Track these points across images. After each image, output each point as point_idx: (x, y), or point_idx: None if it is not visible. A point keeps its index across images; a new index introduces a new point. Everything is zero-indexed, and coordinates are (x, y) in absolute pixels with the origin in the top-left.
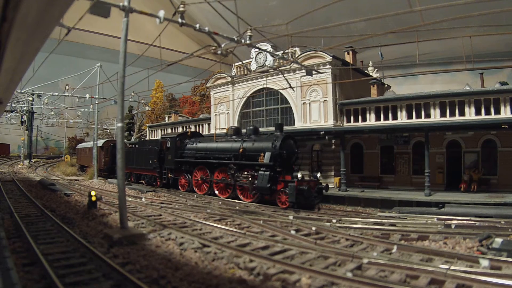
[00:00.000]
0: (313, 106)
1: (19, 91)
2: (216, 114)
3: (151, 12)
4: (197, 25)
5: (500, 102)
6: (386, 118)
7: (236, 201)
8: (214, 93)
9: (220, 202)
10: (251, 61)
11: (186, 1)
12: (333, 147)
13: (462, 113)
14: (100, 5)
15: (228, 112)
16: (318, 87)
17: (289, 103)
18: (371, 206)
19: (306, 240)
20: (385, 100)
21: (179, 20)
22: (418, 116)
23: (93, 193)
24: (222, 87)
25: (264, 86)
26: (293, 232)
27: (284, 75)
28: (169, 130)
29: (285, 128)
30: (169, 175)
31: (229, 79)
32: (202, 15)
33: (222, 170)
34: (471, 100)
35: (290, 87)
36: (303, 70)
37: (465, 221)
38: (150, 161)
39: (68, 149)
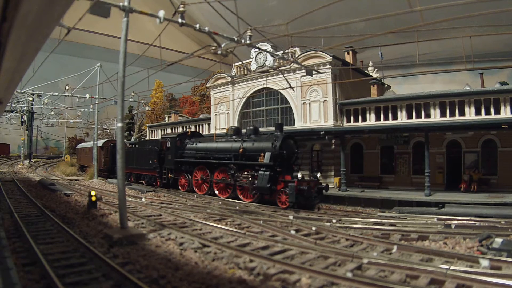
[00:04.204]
0: (313, 106)
1: (19, 91)
2: (216, 114)
3: (151, 12)
4: (197, 25)
5: (500, 102)
6: (386, 118)
7: (236, 201)
8: (214, 93)
9: (220, 202)
10: (251, 61)
11: (186, 1)
12: (333, 147)
13: (462, 113)
14: (100, 5)
15: (228, 112)
16: (318, 87)
17: (289, 103)
18: (371, 206)
19: (306, 240)
20: (385, 100)
21: (179, 20)
22: (418, 116)
23: (93, 193)
24: (222, 87)
25: (264, 86)
26: (293, 232)
27: (284, 75)
28: (169, 130)
29: (285, 128)
30: (169, 175)
31: (229, 79)
32: (202, 15)
33: (222, 170)
34: (471, 100)
35: (290, 87)
36: (303, 70)
37: (465, 221)
38: (150, 161)
39: (68, 149)
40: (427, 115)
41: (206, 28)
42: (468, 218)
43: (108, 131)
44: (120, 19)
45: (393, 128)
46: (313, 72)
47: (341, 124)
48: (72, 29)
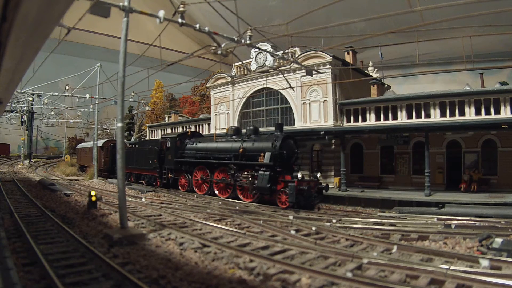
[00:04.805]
0: (313, 106)
1: (19, 91)
2: (216, 114)
3: (151, 12)
4: (197, 25)
5: (500, 102)
6: (386, 118)
7: (236, 201)
8: (214, 93)
9: (220, 202)
10: (251, 61)
11: (186, 1)
12: (333, 147)
13: (462, 113)
14: (100, 5)
15: (228, 112)
16: (318, 87)
17: (289, 103)
18: (371, 206)
19: (306, 240)
20: (385, 100)
21: (179, 20)
22: (418, 116)
23: (93, 193)
24: (222, 87)
25: (264, 86)
26: (293, 232)
27: (284, 75)
28: (169, 130)
29: (285, 128)
30: (169, 175)
31: (229, 79)
32: (202, 15)
33: (222, 170)
34: (471, 100)
35: (290, 87)
36: (303, 70)
37: (465, 221)
38: (150, 161)
39: (68, 149)
40: (427, 115)
41: (206, 28)
42: (468, 218)
43: (108, 131)
44: (120, 19)
45: (393, 128)
46: (313, 72)
47: (341, 124)
48: (72, 29)
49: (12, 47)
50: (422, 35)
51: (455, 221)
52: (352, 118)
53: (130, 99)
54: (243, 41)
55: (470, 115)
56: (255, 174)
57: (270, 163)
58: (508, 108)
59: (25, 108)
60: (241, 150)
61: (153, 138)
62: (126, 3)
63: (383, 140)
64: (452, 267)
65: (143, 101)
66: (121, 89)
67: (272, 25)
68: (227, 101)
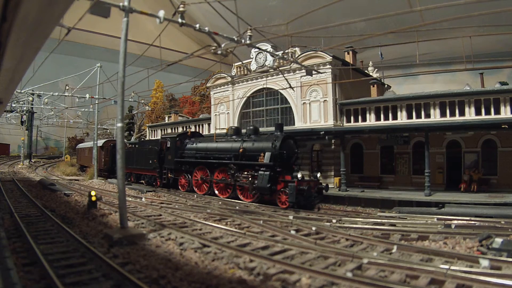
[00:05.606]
0: (313, 106)
1: (19, 91)
2: (216, 114)
3: (151, 12)
4: (197, 25)
5: (500, 102)
6: (386, 118)
7: (236, 201)
8: (214, 93)
9: (220, 202)
10: (251, 61)
11: (186, 1)
12: (333, 147)
13: (462, 113)
14: (100, 5)
15: (228, 112)
16: (318, 87)
17: (289, 103)
18: (371, 206)
19: (306, 240)
20: (385, 100)
21: (179, 20)
22: (418, 116)
23: (93, 193)
24: (222, 87)
25: (264, 86)
26: (293, 232)
27: (284, 75)
28: (169, 130)
29: (285, 128)
30: (169, 175)
31: (229, 79)
32: (202, 15)
33: (222, 170)
34: (471, 100)
35: (290, 87)
36: (303, 70)
37: (465, 221)
38: (150, 161)
39: (68, 149)
40: (427, 115)
41: (206, 28)
42: (468, 218)
43: (108, 131)
44: (120, 19)
45: (393, 128)
46: (313, 72)
47: (341, 124)
48: (72, 29)
49: (12, 47)
50: (422, 35)
51: (455, 221)
52: (352, 118)
53: (130, 99)
54: (243, 41)
55: (470, 115)
56: (255, 174)
57: (270, 163)
58: (508, 108)
59: (25, 108)
60: (241, 150)
61: (153, 138)
62: (126, 3)
63: (383, 140)
64: (452, 267)
65: (143, 101)
66: (121, 89)
67: (272, 25)
68: (227, 101)
